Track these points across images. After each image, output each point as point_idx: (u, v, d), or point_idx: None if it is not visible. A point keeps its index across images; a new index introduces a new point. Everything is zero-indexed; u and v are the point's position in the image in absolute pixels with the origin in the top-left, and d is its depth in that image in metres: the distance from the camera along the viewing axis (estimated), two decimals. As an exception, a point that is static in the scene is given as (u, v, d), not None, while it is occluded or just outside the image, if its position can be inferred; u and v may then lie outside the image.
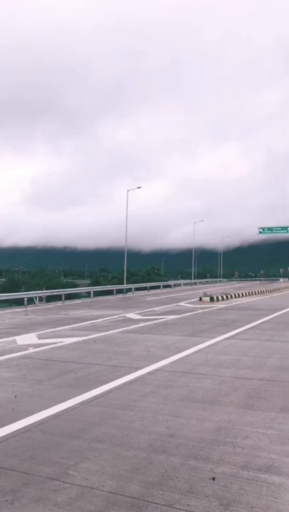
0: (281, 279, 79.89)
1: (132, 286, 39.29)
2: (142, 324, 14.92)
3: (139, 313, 18.84)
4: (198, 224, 74.94)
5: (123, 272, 46.63)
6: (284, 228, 74.58)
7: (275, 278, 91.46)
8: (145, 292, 38.33)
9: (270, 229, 75.65)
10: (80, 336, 12.34)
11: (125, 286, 38.98)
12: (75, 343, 11.16)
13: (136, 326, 14.54)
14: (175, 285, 49.43)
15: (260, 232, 75.94)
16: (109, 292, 34.82)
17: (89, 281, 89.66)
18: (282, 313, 18.21)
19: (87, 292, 33.94)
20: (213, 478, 3.78)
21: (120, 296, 33.64)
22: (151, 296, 32.92)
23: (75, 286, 58.68)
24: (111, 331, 13.19)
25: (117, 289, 35.37)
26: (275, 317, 16.77)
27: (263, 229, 75.73)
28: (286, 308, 20.73)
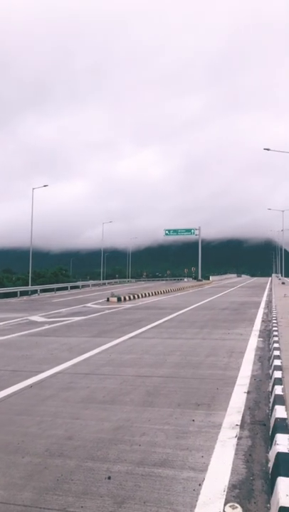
0: (185, 279, 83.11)
1: (38, 287, 38.17)
2: (47, 327, 14.58)
3: (44, 316, 18.39)
4: (112, 224, 75.43)
5: (29, 273, 45.18)
6: (188, 230, 77.86)
7: (180, 278, 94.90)
8: (52, 294, 37.51)
9: (176, 231, 78.50)
10: (-22, 340, 11.70)
11: (30, 287, 37.77)
12: (-27, 348, 10.56)
13: (39, 328, 14.17)
14: (83, 286, 49.05)
15: (166, 234, 78.54)
16: (13, 294, 33.49)
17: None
18: (184, 312, 18.96)
19: (-12, 295, 32.30)
20: (109, 478, 3.81)
21: (25, 298, 32.55)
22: (57, 297, 32.32)
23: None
24: (12, 335, 12.71)
25: (21, 291, 34.12)
26: (177, 315, 17.40)
27: (169, 231, 78.38)
28: (188, 306, 21.62)
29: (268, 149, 31.39)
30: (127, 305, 23.63)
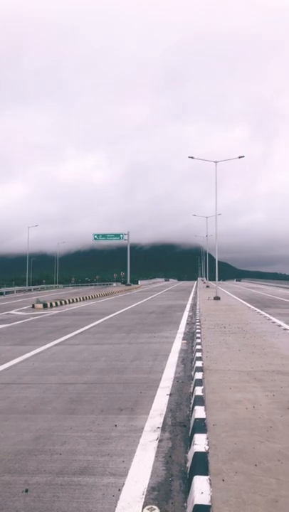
0: (114, 284, 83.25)
1: None
2: None
3: None
4: (47, 228, 73.86)
5: None
6: (117, 235, 78.11)
7: (109, 283, 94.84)
8: (-26, 301, 35.77)
9: (104, 235, 78.36)
10: None
11: None
12: None
13: None
14: (7, 292, 47.37)
15: (95, 239, 78.14)
16: None
17: None
18: (112, 317, 18.96)
19: None
20: (27, 491, 3.69)
21: None
22: (-20, 304, 30.87)
23: None
24: None
25: None
26: (105, 321, 17.36)
27: (98, 235, 78.07)
28: (116, 311, 21.66)
29: (192, 157, 32.40)
30: (54, 311, 23.16)
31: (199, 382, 6.47)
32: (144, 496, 3.55)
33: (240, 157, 31.79)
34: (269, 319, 16.08)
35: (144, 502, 3.46)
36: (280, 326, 14.03)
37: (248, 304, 24.43)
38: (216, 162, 31.18)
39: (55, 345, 11.45)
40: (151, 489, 3.68)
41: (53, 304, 27.04)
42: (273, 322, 15.09)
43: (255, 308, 21.24)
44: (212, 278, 76.04)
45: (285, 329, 13.11)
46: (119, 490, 3.66)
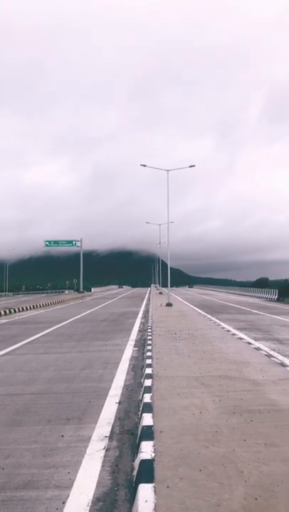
0: (67, 291, 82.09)
1: None
2: None
3: None
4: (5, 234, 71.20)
5: None
6: (69, 242, 77.12)
7: (61, 290, 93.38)
8: None
9: (56, 242, 77.12)
10: None
11: None
12: None
13: None
14: None
15: (47, 245, 76.74)
16: None
17: None
18: (63, 325, 18.67)
19: None
20: None
21: None
22: None
23: None
24: None
25: None
26: (55, 329, 17.05)
27: (50, 242, 76.72)
28: (67, 319, 21.34)
29: (144, 165, 32.70)
30: (2, 320, 22.48)
31: (148, 389, 6.48)
32: (88, 508, 3.50)
33: (190, 166, 32.46)
34: (219, 325, 16.42)
35: (89, 513, 3.41)
36: (228, 331, 14.36)
37: (199, 310, 24.85)
38: (167, 171, 31.64)
39: (2, 355, 11.10)
40: (96, 500, 3.63)
41: (2, 313, 26.25)
42: (223, 328, 15.43)
43: (206, 314, 21.64)
44: (165, 285, 76.86)
45: (234, 334, 13.43)
46: (63, 503, 3.59)
